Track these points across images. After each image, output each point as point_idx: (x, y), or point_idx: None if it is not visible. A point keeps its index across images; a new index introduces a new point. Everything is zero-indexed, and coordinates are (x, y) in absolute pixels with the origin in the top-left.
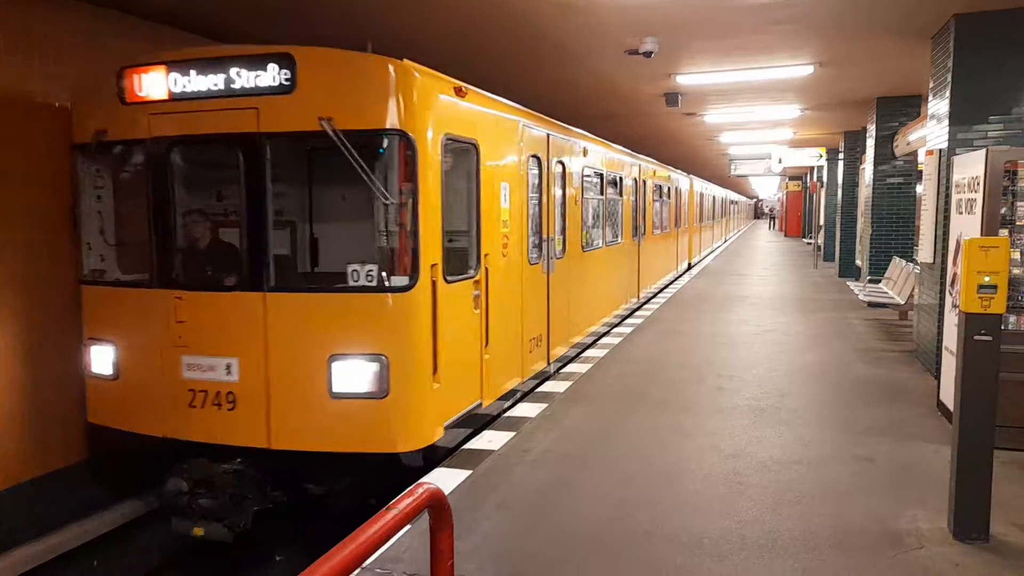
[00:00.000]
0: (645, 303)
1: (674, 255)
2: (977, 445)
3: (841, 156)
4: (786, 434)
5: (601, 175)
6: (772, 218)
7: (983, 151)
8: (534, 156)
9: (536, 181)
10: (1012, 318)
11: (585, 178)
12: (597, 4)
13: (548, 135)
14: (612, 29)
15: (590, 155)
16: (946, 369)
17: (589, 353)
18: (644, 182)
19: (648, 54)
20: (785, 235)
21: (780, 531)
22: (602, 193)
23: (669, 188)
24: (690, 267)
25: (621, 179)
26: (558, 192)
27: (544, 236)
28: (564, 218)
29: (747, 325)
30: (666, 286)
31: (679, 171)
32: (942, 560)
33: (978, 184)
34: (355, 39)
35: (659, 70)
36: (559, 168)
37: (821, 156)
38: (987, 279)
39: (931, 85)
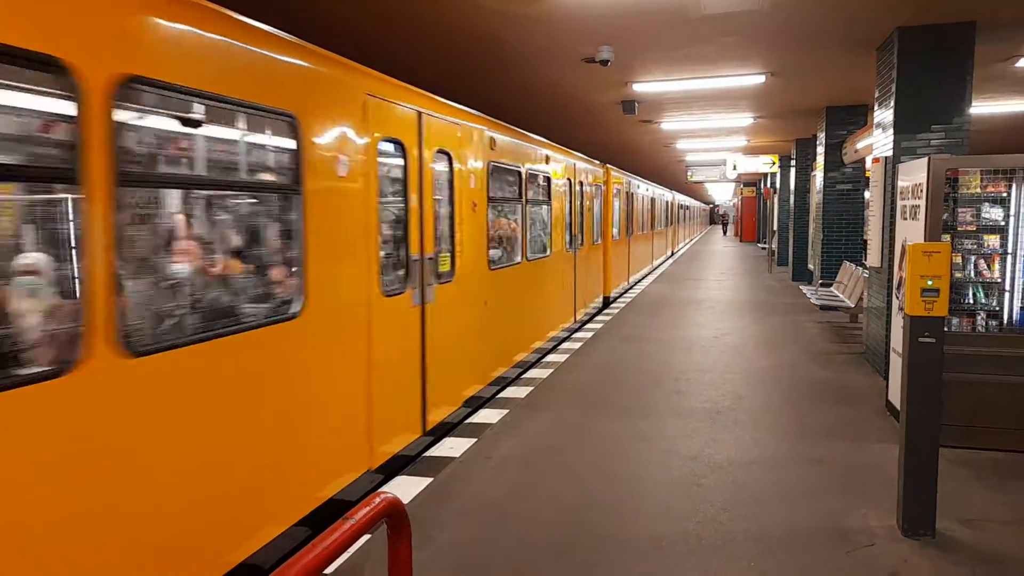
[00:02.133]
0: (482, 405)
1: (565, 293)
2: (923, 444)
3: (793, 163)
4: (742, 436)
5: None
6: (725, 224)
7: (925, 159)
8: None
9: None
10: (955, 320)
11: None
12: (554, 13)
13: None
14: (569, 37)
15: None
16: (894, 370)
17: (548, 359)
18: (463, 161)
19: (604, 62)
20: (741, 240)
21: (736, 532)
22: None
23: (550, 183)
24: (608, 302)
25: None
26: None
27: None
28: None
29: (704, 329)
30: (547, 352)
31: (583, 157)
32: (892, 557)
33: (921, 191)
34: (312, 39)
35: (616, 78)
36: None
37: (773, 164)
38: (930, 283)
39: (876, 95)
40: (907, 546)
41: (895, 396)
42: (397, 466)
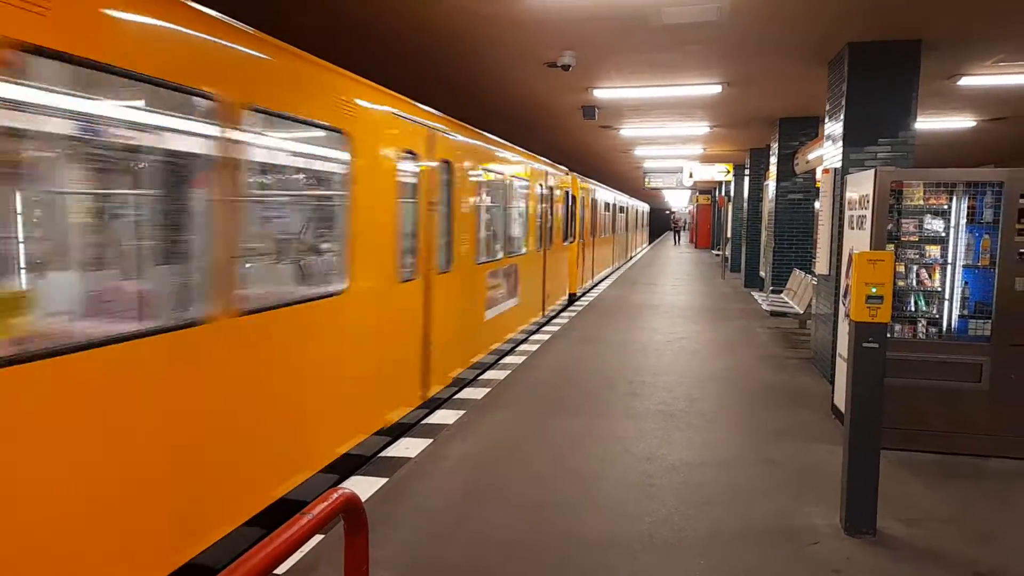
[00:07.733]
0: None
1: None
2: (865, 445)
3: (747, 172)
4: (695, 438)
5: None
6: (677, 231)
7: (872, 171)
8: None
9: None
10: (897, 327)
11: None
12: (518, 17)
13: None
14: (531, 41)
15: None
16: (839, 374)
17: (505, 360)
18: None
19: (566, 67)
20: (696, 246)
21: (688, 530)
22: None
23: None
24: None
25: None
26: None
27: None
28: None
29: (658, 333)
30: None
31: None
32: (834, 554)
33: (868, 202)
34: (260, 26)
35: (577, 83)
36: None
37: (728, 172)
38: (874, 290)
39: (827, 108)
40: (849, 544)
41: (840, 399)
42: (352, 465)
